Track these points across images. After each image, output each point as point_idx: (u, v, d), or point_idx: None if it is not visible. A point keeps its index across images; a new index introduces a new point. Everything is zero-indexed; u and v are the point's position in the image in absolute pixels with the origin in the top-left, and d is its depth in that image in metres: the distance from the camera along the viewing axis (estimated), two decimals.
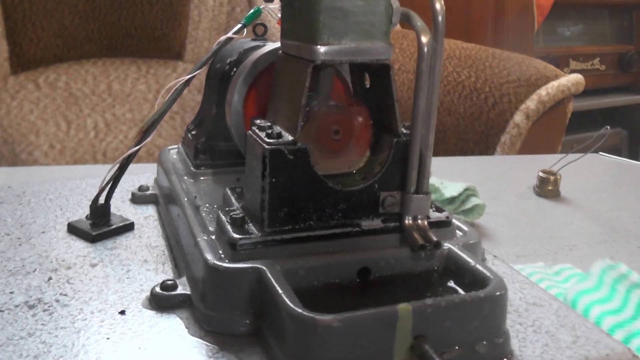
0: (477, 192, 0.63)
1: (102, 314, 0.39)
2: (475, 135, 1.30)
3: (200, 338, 0.36)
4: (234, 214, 0.39)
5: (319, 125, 0.39)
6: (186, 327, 0.37)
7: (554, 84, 1.35)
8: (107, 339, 0.36)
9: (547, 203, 0.71)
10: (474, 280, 0.36)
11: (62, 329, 0.37)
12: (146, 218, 0.54)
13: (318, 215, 0.38)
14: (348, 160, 0.41)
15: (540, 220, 0.65)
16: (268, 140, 0.37)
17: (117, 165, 0.50)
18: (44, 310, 0.39)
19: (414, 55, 1.47)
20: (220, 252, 0.38)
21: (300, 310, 0.31)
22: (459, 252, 0.38)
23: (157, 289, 0.40)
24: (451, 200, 0.61)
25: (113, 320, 0.38)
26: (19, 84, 1.50)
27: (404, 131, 0.39)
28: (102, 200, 0.51)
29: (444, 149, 1.33)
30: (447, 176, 0.73)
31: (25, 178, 0.75)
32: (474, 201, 0.62)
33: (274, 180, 0.37)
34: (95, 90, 1.63)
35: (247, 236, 0.37)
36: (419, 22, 0.37)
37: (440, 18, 0.36)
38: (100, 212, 0.50)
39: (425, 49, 0.36)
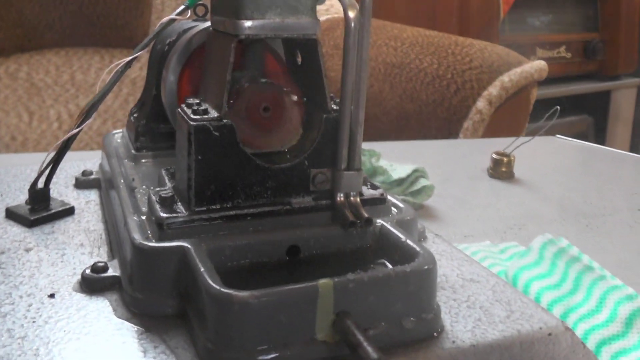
0: (427, 173, 0.63)
1: (31, 298, 0.38)
2: (437, 122, 1.31)
3: (127, 320, 0.35)
4: (163, 194, 0.38)
5: (248, 102, 0.39)
6: (114, 310, 0.36)
7: (517, 70, 1.36)
8: (33, 322, 0.35)
9: (500, 184, 0.71)
10: (404, 256, 0.36)
11: None
12: (87, 203, 0.53)
13: (246, 193, 0.38)
14: (280, 138, 0.40)
15: (492, 201, 0.66)
16: (194, 117, 0.36)
17: (55, 150, 0.49)
18: None
19: (377, 42, 1.47)
20: (149, 232, 0.37)
21: (217, 287, 0.30)
22: (391, 229, 0.38)
23: (88, 272, 0.39)
24: (399, 182, 0.61)
25: (41, 304, 0.37)
26: None
27: (335, 107, 0.39)
28: (42, 185, 0.50)
29: (407, 135, 1.33)
30: (403, 159, 0.73)
31: None
32: (422, 182, 0.62)
33: (199, 157, 0.36)
34: (58, 81, 1.61)
35: (174, 215, 0.37)
36: None
37: None
38: (39, 197, 0.49)
39: (352, 24, 0.36)
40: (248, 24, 0.36)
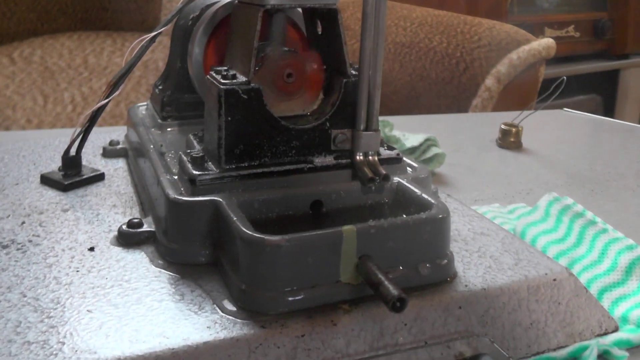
0: (438, 142, 0.66)
1: (73, 251, 0.41)
2: (447, 100, 1.33)
3: (163, 269, 0.38)
4: (194, 153, 0.41)
5: (273, 69, 0.41)
6: (150, 260, 0.39)
7: (525, 47, 1.38)
8: (77, 271, 0.38)
9: (508, 154, 0.73)
10: (419, 208, 0.38)
11: (34, 264, 0.39)
12: (116, 170, 0.55)
13: (272, 152, 0.40)
14: (302, 103, 0.43)
15: (500, 169, 0.68)
16: (223, 81, 0.39)
17: (87, 118, 0.52)
18: (17, 249, 0.41)
19: (386, 22, 1.48)
20: (182, 189, 0.40)
21: (250, 233, 0.33)
22: (407, 185, 0.41)
23: (124, 227, 0.42)
24: (412, 150, 0.64)
25: (82, 256, 0.40)
26: None
27: (354, 72, 0.41)
28: (73, 152, 0.53)
29: (417, 113, 1.36)
30: (414, 131, 0.75)
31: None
32: (434, 150, 0.64)
33: (229, 118, 0.39)
34: (72, 64, 1.63)
35: (206, 172, 0.39)
36: None
37: None
38: (71, 163, 0.52)
39: None
40: None
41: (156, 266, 0.39)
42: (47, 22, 1.61)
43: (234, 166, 0.40)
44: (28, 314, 0.34)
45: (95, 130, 0.53)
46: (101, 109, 0.52)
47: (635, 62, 2.37)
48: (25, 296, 0.36)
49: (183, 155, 0.42)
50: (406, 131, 0.72)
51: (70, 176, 0.52)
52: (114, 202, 0.48)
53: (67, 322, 0.33)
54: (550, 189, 0.61)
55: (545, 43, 1.43)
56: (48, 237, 0.43)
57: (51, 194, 0.50)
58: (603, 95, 2.31)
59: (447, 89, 1.34)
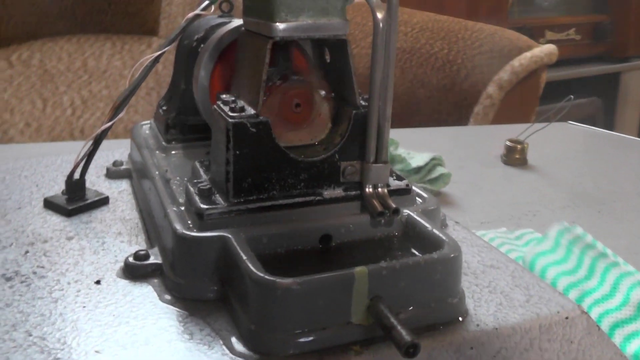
0: (443, 161, 0.65)
1: (79, 284, 0.40)
2: (448, 107, 1.32)
3: (171, 304, 0.38)
4: (201, 186, 0.41)
5: (281, 99, 0.41)
6: (158, 295, 0.39)
7: (527, 54, 1.37)
8: (84, 307, 0.38)
9: (513, 171, 0.73)
10: (430, 244, 0.38)
11: (40, 299, 0.39)
12: (120, 192, 0.55)
13: (281, 185, 0.40)
14: (310, 132, 0.43)
15: (506, 188, 0.68)
16: (231, 114, 0.38)
17: (91, 141, 0.51)
18: (21, 282, 0.41)
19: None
20: (189, 222, 0.40)
21: (261, 274, 0.33)
22: (417, 218, 0.40)
23: (131, 259, 0.41)
24: (417, 170, 0.63)
25: (89, 290, 0.39)
26: None
27: (363, 103, 0.41)
28: (77, 175, 0.52)
29: (418, 120, 1.35)
30: (417, 146, 0.75)
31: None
32: (439, 170, 0.64)
33: (237, 152, 0.38)
34: (71, 67, 1.62)
35: (214, 206, 0.39)
36: None
37: None
38: (75, 187, 0.52)
39: (381, 25, 0.38)
40: (282, 26, 0.38)
41: (163, 301, 0.38)
42: (46, 25, 1.60)
43: (242, 200, 0.39)
44: (35, 356, 0.33)
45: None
46: (105, 132, 0.52)
47: (636, 64, 2.37)
48: (30, 335, 0.35)
49: (190, 187, 0.41)
50: (410, 147, 0.72)
51: (74, 200, 0.51)
52: (119, 230, 0.48)
53: None
54: (556, 210, 0.61)
55: (547, 49, 1.42)
56: (53, 269, 0.42)
57: (55, 219, 0.49)
58: (604, 98, 2.31)
59: (448, 95, 1.33)
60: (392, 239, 0.41)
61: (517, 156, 0.74)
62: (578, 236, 0.46)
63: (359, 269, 0.33)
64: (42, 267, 0.42)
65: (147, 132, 0.59)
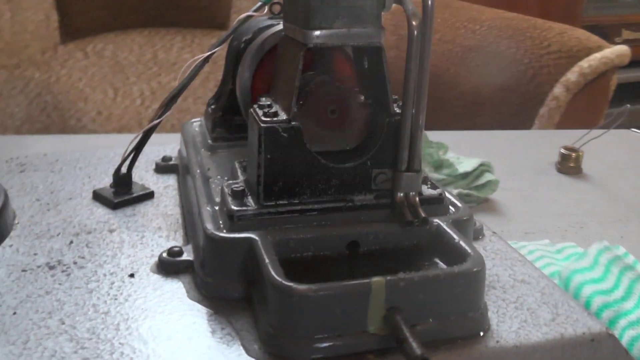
0: (492, 168, 0.64)
1: (114, 276, 0.42)
2: (512, 108, 1.29)
3: (198, 302, 0.39)
4: (235, 187, 0.42)
5: (316, 104, 0.41)
6: (187, 291, 0.40)
7: (597, 55, 1.32)
8: (115, 299, 0.39)
9: (566, 180, 0.71)
10: (455, 256, 0.37)
11: (77, 288, 0.41)
12: (166, 187, 0.57)
13: (311, 190, 0.40)
14: (345, 138, 0.43)
15: (556, 197, 0.66)
16: (264, 119, 0.39)
17: (139, 137, 0.53)
18: (62, 271, 0.43)
19: (455, 24, 1.45)
20: (221, 222, 0.41)
21: (280, 279, 0.33)
22: (447, 229, 0.40)
23: (165, 255, 0.43)
24: (464, 175, 0.63)
25: (122, 283, 0.41)
26: (68, 53, 1.55)
27: (397, 111, 0.41)
28: (125, 169, 0.54)
29: (481, 121, 1.33)
30: (472, 150, 0.74)
31: (65, 146, 0.80)
32: (487, 177, 0.63)
33: (268, 156, 0.39)
34: (141, 59, 1.68)
35: (244, 208, 0.40)
36: (410, 5, 0.38)
37: (430, 2, 0.37)
38: (122, 181, 0.54)
39: (415, 33, 0.38)
40: (316, 33, 0.38)
41: (191, 298, 0.39)
42: (120, 18, 1.65)
43: (272, 203, 0.40)
44: (64, 344, 0.35)
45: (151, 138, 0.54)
46: (153, 129, 0.54)
47: None
48: (63, 323, 0.37)
49: (225, 187, 0.42)
50: (463, 150, 0.71)
51: (121, 194, 0.53)
52: (159, 225, 0.49)
53: (99, 356, 0.34)
54: (605, 223, 0.59)
55: (618, 50, 1.36)
56: (92, 260, 0.44)
57: (101, 211, 0.51)
58: None
59: (513, 96, 1.30)
60: (421, 249, 0.40)
61: (572, 164, 0.72)
62: (618, 256, 0.45)
63: (376, 280, 0.33)
64: (83, 257, 0.44)
65: (197, 129, 0.61)
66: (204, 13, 1.83)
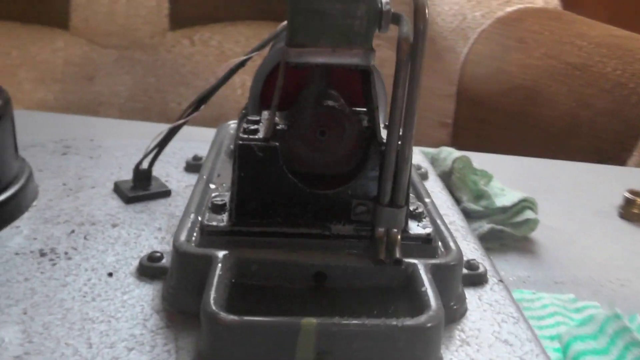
0: (536, 205, 0.59)
1: (93, 273, 0.42)
2: (611, 135, 1.19)
3: (157, 312, 0.39)
4: (216, 200, 0.41)
5: (306, 124, 0.39)
6: (152, 300, 0.40)
7: None
8: (83, 297, 0.40)
9: (627, 227, 0.64)
10: (418, 305, 0.35)
11: (54, 280, 0.41)
12: (186, 187, 0.57)
13: (286, 213, 0.39)
14: (337, 162, 0.41)
15: (606, 246, 0.59)
16: (242, 136, 0.38)
17: (163, 134, 0.54)
18: (50, 260, 0.44)
19: (562, 39, 1.36)
20: (194, 234, 0.40)
21: (211, 304, 0.32)
22: (421, 274, 0.37)
23: (145, 258, 0.43)
24: (503, 210, 0.58)
25: (98, 281, 0.42)
26: (176, 40, 1.62)
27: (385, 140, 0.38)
28: (146, 165, 0.55)
29: (576, 145, 1.24)
30: (529, 179, 0.69)
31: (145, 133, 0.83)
32: (527, 214, 0.58)
33: (242, 174, 0.38)
34: (246, 51, 1.71)
35: (215, 224, 0.39)
36: (405, 27, 0.36)
37: (422, 26, 0.34)
38: (141, 176, 0.55)
39: (405, 57, 0.35)
40: (297, 51, 0.36)
41: (153, 308, 0.39)
42: (228, 9, 1.70)
43: (243, 221, 0.39)
44: (15, 334, 0.36)
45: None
46: (177, 128, 0.54)
47: None
48: (25, 313, 0.38)
49: (210, 199, 0.41)
50: (522, 178, 0.66)
51: (137, 189, 0.54)
52: (160, 225, 0.49)
53: (40, 353, 0.35)
54: None
55: None
56: (83, 252, 0.45)
57: (114, 204, 0.52)
58: None
59: (613, 122, 1.20)
60: (392, 291, 0.38)
61: (636, 211, 0.64)
62: (627, 328, 0.39)
63: (306, 321, 0.31)
64: (75, 249, 0.45)
65: (231, 132, 0.60)
66: None
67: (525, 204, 0.58)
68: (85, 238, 0.47)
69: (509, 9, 1.48)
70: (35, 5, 1.52)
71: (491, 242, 0.57)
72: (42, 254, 0.44)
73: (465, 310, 0.40)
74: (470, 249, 0.48)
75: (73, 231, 0.48)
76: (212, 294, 0.33)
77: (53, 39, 1.54)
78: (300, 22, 0.36)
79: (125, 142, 0.66)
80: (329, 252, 0.38)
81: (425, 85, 1.69)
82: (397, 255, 0.37)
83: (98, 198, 0.53)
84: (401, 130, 0.36)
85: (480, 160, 0.65)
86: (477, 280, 0.43)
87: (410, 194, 0.50)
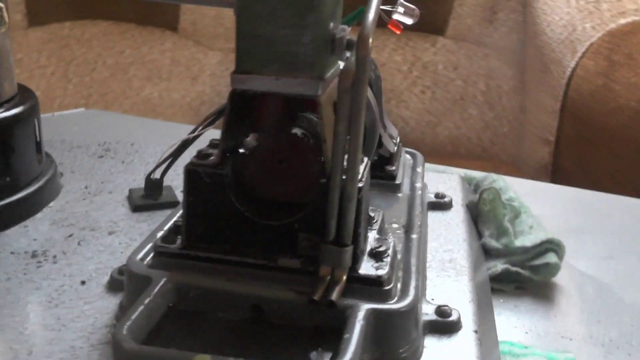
0: (562, 248, 0.54)
1: (69, 279, 0.44)
2: None
3: (105, 326, 0.39)
4: (178, 221, 0.41)
5: (265, 150, 0.39)
6: (104, 314, 0.41)
7: None
8: (49, 302, 0.42)
9: None
10: (337, 353, 0.33)
11: (31, 282, 0.44)
12: None
13: (234, 241, 0.38)
14: (300, 192, 0.39)
15: (637, 301, 0.53)
16: (193, 160, 0.38)
17: (176, 146, 0.55)
18: (37, 262, 0.46)
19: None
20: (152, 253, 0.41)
21: (121, 329, 0.32)
22: (355, 319, 0.35)
23: (116, 271, 0.44)
24: (524, 250, 0.54)
25: (69, 288, 0.43)
26: None
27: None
28: (159, 175, 0.56)
29: None
30: (576, 213, 0.64)
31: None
32: (549, 258, 0.53)
33: (190, 199, 0.38)
34: None
35: (167, 245, 0.39)
36: (353, 58, 0.34)
37: (362, 55, 0.33)
38: (153, 186, 0.56)
39: (346, 88, 0.33)
40: (242, 77, 0.35)
41: (104, 321, 0.40)
42: None
43: (192, 246, 0.38)
44: None
45: None
46: (191, 141, 0.55)
47: None
48: None
49: (174, 219, 0.42)
50: (577, 211, 0.61)
51: (147, 198, 0.55)
52: None
53: None
54: None
55: None
56: (71, 258, 0.47)
57: (121, 211, 0.54)
58: None
59: None
60: (328, 334, 0.36)
61: None
62: None
63: (198, 357, 0.30)
64: (65, 253, 0.47)
65: None
66: (422, 16, 1.80)
67: (548, 246, 0.54)
68: (79, 243, 0.49)
69: (623, 21, 1.37)
70: (149, 8, 1.61)
71: (505, 284, 0.53)
72: (34, 256, 0.47)
73: (417, 359, 0.38)
74: (455, 292, 0.44)
75: (71, 235, 0.50)
76: (129, 319, 0.33)
77: (163, 40, 1.62)
78: (245, 48, 0.35)
79: (159, 148, 0.69)
80: (272, 284, 0.37)
81: (533, 98, 1.60)
82: (334, 296, 0.35)
83: (110, 204, 0.56)
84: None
85: (538, 190, 0.61)
86: (445, 328, 0.40)
87: (403, 226, 0.48)
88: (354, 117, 0.34)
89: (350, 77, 0.33)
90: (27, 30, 1.55)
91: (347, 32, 0.37)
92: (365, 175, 0.38)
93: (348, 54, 0.38)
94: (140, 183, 0.59)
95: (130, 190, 0.57)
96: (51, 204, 0.55)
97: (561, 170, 1.46)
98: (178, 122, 1.24)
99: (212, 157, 0.38)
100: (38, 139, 0.55)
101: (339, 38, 0.35)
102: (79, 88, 1.57)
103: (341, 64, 0.38)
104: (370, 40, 0.33)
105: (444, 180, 0.62)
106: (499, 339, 0.45)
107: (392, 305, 0.37)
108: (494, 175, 0.65)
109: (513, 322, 0.49)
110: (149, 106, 1.58)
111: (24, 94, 0.55)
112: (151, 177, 0.56)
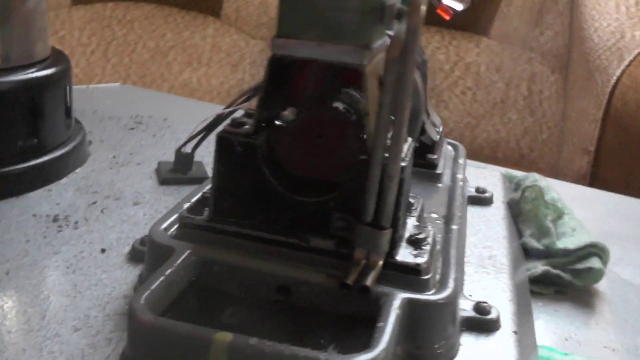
0: (607, 253, 0.50)
1: (89, 246, 0.43)
2: None
3: (123, 297, 0.38)
4: (207, 193, 0.39)
5: (302, 124, 0.36)
6: (122, 284, 0.39)
7: None
8: (67, 268, 0.40)
9: None
10: (369, 341, 0.30)
11: (50, 246, 0.42)
12: None
13: (264, 216, 0.36)
14: (336, 169, 0.37)
15: None
16: (227, 128, 0.36)
17: (210, 120, 0.53)
18: (58, 227, 0.45)
19: None
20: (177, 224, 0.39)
21: (139, 299, 0.30)
22: (391, 307, 0.32)
23: (138, 242, 0.42)
24: (565, 252, 0.50)
25: (88, 255, 0.42)
26: None
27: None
28: (190, 149, 0.54)
29: None
30: (619, 219, 0.60)
31: None
32: (592, 262, 0.49)
33: (221, 169, 0.36)
34: None
35: (193, 217, 0.37)
36: (403, 27, 0.31)
37: (414, 25, 0.30)
38: (183, 160, 0.54)
39: (392, 61, 0.31)
40: (281, 42, 0.33)
41: (122, 292, 0.38)
42: None
43: (220, 218, 0.36)
44: None
45: None
46: (225, 117, 0.53)
47: None
48: (7, 274, 0.39)
49: (202, 191, 0.40)
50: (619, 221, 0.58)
51: (175, 171, 0.54)
52: None
53: None
54: None
55: None
56: (92, 225, 0.45)
57: (148, 183, 0.53)
58: None
59: None
60: (357, 321, 0.34)
61: None
62: None
63: (219, 335, 0.28)
64: (87, 220, 0.46)
65: None
66: (467, 15, 1.77)
67: (592, 250, 0.50)
68: (102, 211, 0.47)
69: None
70: None
71: (544, 287, 0.50)
72: (55, 220, 0.45)
73: (453, 356, 0.35)
74: (494, 290, 0.42)
75: (95, 203, 0.48)
76: (148, 289, 0.31)
77: (205, 26, 1.61)
78: (287, 10, 0.32)
79: (192, 122, 0.67)
80: (301, 265, 0.35)
81: (575, 105, 1.55)
82: (368, 282, 0.33)
83: (137, 175, 0.54)
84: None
85: (580, 194, 0.57)
86: (483, 325, 0.38)
87: (442, 216, 0.45)
88: (400, 90, 0.31)
89: (399, 47, 0.31)
90: (70, 8, 1.55)
91: (398, 0, 0.34)
92: (409, 156, 0.35)
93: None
94: (170, 158, 0.57)
95: (159, 163, 0.55)
96: (77, 171, 0.53)
97: (600, 180, 1.42)
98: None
99: (246, 126, 0.36)
100: (68, 104, 0.53)
101: (389, 5, 0.32)
102: (118, 68, 1.57)
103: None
104: (423, 7, 0.30)
105: (485, 175, 0.59)
106: (537, 343, 0.42)
107: (430, 296, 0.34)
108: (536, 175, 0.62)
109: (552, 327, 0.46)
110: (186, 90, 1.56)
111: (57, 56, 0.53)
112: (182, 150, 0.54)
